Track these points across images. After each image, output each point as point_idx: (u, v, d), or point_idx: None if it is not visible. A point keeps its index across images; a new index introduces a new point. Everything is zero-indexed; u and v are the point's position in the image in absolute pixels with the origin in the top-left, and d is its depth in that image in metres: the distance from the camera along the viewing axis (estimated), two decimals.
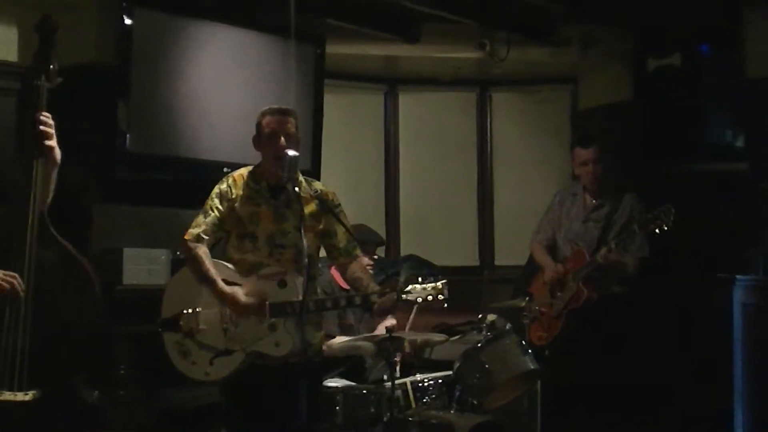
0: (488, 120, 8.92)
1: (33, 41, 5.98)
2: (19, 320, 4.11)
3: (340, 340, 5.66)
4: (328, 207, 4.84)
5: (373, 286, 4.80)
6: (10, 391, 4.07)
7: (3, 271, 4.13)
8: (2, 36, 6.14)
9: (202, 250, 4.81)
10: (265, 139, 4.81)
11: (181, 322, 4.79)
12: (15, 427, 4.05)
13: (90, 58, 5.89)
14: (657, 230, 5.87)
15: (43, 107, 4.34)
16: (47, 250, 4.29)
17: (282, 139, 4.72)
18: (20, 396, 4.07)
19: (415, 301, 4.55)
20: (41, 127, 4.29)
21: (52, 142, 4.31)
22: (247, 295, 4.68)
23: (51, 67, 4.44)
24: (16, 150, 5.57)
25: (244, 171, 4.95)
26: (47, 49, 4.48)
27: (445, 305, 4.57)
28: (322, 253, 5.06)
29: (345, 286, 5.66)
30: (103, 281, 4.50)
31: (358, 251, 5.00)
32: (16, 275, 4.13)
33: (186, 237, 4.85)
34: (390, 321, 5.70)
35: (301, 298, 4.58)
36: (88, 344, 4.38)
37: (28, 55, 5.97)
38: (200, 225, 4.85)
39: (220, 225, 4.86)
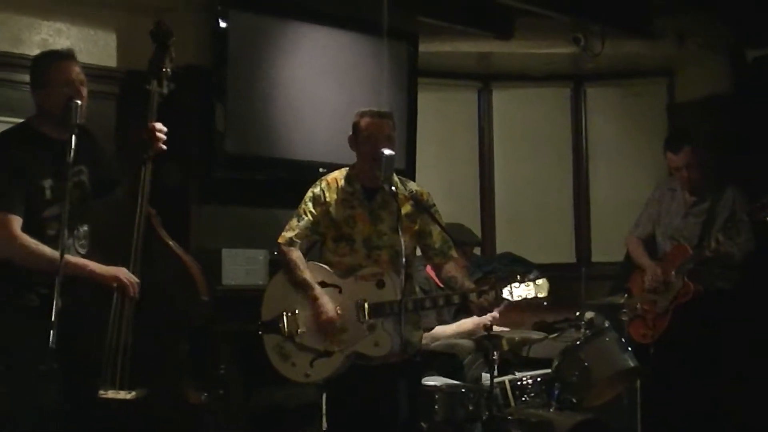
0: (583, 115, 8.81)
1: (131, 46, 6.14)
2: (123, 319, 4.18)
3: (438, 332, 5.66)
4: (423, 207, 4.84)
5: (469, 285, 4.79)
6: (113, 389, 4.13)
7: (126, 271, 4.20)
8: (101, 41, 6.24)
9: (296, 255, 4.85)
10: (362, 141, 4.82)
11: (280, 325, 4.83)
12: (117, 425, 4.12)
13: (187, 61, 5.95)
14: (767, 218, 5.76)
15: (154, 112, 4.41)
16: (154, 250, 4.36)
17: (379, 142, 4.73)
18: (122, 394, 4.13)
19: (516, 299, 4.54)
20: (157, 134, 4.38)
21: (163, 146, 4.39)
22: (339, 310, 4.70)
23: (164, 72, 4.51)
24: (117, 151, 5.67)
25: (338, 174, 4.97)
26: (161, 55, 4.55)
27: (545, 303, 4.55)
28: (417, 252, 5.06)
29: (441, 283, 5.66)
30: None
31: (453, 252, 4.99)
32: (137, 281, 4.21)
33: (279, 241, 4.90)
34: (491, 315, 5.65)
35: (399, 297, 4.59)
36: (195, 345, 4.44)
37: (127, 59, 6.15)
38: (293, 229, 4.88)
39: (313, 229, 4.89)
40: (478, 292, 4.65)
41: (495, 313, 5.65)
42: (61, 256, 3.79)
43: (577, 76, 8.76)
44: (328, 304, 4.72)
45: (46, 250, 4.12)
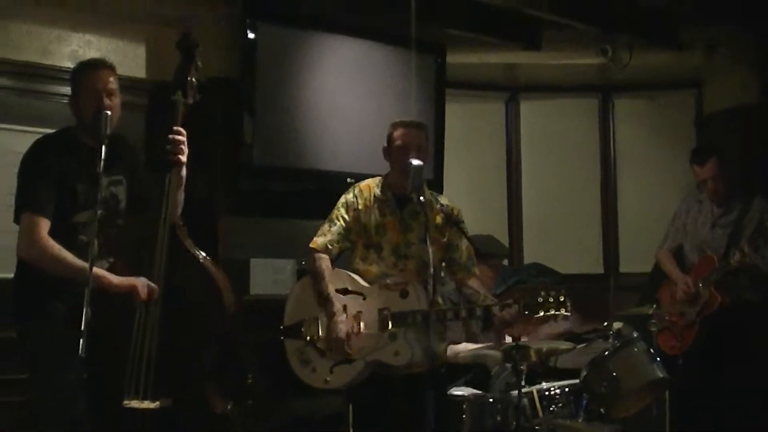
0: (611, 126, 8.79)
1: (161, 58, 6.17)
2: (147, 329, 4.20)
3: (464, 346, 5.65)
4: (454, 221, 4.85)
5: (491, 300, 4.80)
6: (137, 398, 4.15)
7: (146, 280, 4.23)
8: (131, 53, 6.29)
9: (325, 264, 4.87)
10: (395, 151, 4.84)
11: (302, 329, 4.85)
12: None
13: (214, 73, 5.99)
14: None
15: (179, 123, 4.43)
16: (179, 260, 4.37)
17: (411, 152, 4.74)
18: (146, 404, 4.14)
19: (538, 314, 4.55)
20: (176, 139, 4.39)
21: (184, 157, 4.40)
22: (351, 334, 4.71)
23: (189, 82, 4.53)
24: (146, 163, 5.69)
25: (371, 182, 5.00)
26: (187, 66, 4.56)
27: (566, 320, 4.55)
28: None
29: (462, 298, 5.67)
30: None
31: (476, 269, 5.02)
32: (157, 288, 4.22)
33: (312, 245, 4.92)
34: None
35: (422, 308, 4.60)
36: (220, 355, 4.45)
37: (156, 71, 6.19)
38: (326, 234, 4.91)
39: (345, 234, 4.90)
40: (500, 306, 4.66)
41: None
42: (91, 264, 3.81)
43: (605, 88, 8.74)
44: (342, 324, 4.73)
45: (69, 256, 4.14)
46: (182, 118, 4.44)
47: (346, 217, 4.90)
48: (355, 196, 4.94)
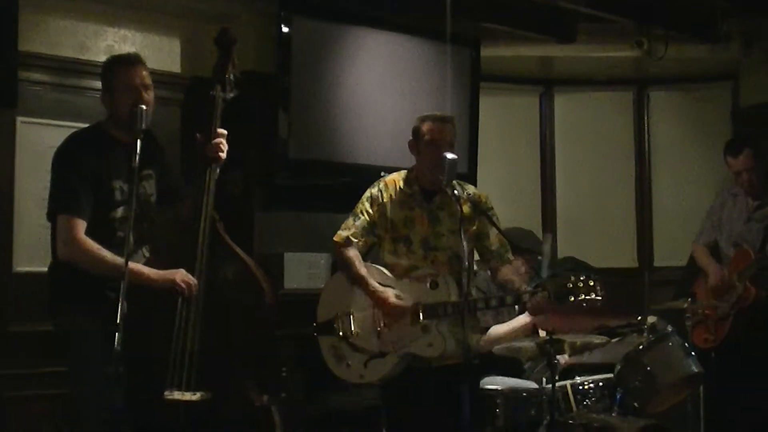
0: (646, 119, 8.76)
1: (195, 52, 6.21)
2: (189, 322, 4.23)
3: (495, 330, 5.64)
4: (481, 210, 4.85)
5: (525, 288, 4.79)
6: (179, 390, 4.18)
7: (184, 272, 4.26)
8: (166, 48, 6.33)
9: (353, 252, 4.89)
10: (424, 145, 4.84)
11: (335, 326, 4.86)
12: (183, 426, 4.16)
13: (250, 67, 6.01)
14: None
15: (218, 117, 4.46)
16: (219, 255, 4.40)
17: (442, 147, 4.74)
18: (188, 396, 4.17)
19: (568, 300, 4.52)
20: (218, 136, 4.43)
21: (224, 154, 4.44)
22: (398, 297, 4.72)
23: (227, 78, 4.56)
24: (181, 157, 5.73)
25: (396, 176, 5.00)
26: (225, 61, 4.60)
27: (599, 304, 4.52)
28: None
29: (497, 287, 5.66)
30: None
31: (510, 255, 4.99)
32: (195, 281, 4.25)
33: (335, 239, 4.95)
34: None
35: (453, 299, 4.60)
36: (258, 349, 4.48)
37: (191, 66, 6.22)
38: (349, 228, 4.92)
39: (370, 228, 4.91)
40: (530, 293, 4.64)
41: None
42: (126, 258, 3.84)
43: (640, 81, 8.71)
44: (387, 291, 4.74)
45: (107, 254, 4.17)
46: (221, 113, 4.48)
47: (370, 211, 4.91)
48: (380, 190, 4.95)
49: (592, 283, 4.50)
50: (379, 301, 4.76)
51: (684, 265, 7.40)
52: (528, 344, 5.21)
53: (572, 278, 4.53)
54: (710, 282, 6.17)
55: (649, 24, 7.73)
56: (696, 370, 5.56)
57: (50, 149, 4.43)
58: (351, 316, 4.85)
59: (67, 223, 4.20)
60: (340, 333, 4.86)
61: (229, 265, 4.44)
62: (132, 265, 4.09)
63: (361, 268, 4.85)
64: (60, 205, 4.25)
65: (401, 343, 4.74)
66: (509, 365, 5.78)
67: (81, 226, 4.20)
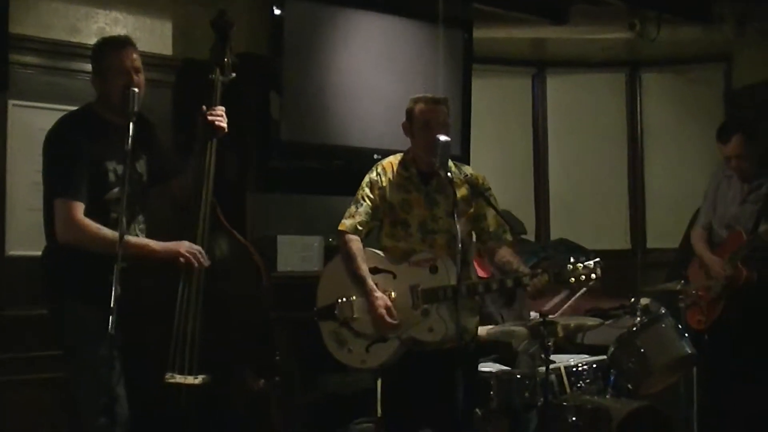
0: (638, 101, 8.76)
1: (187, 35, 6.18)
2: (190, 304, 4.23)
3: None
4: (478, 191, 4.84)
5: (524, 269, 4.78)
6: (181, 374, 4.19)
7: (189, 243, 4.25)
8: (157, 30, 6.29)
9: (356, 246, 4.86)
10: (417, 127, 4.82)
11: (336, 311, 4.86)
12: (184, 409, 4.17)
13: (242, 48, 5.99)
14: None
15: (218, 100, 4.47)
16: (217, 237, 4.41)
17: (435, 128, 4.73)
18: (190, 379, 4.19)
19: (569, 282, 4.54)
20: (217, 121, 4.44)
21: (224, 125, 4.51)
22: (391, 307, 4.73)
23: (226, 61, 4.56)
24: (173, 140, 5.71)
25: (393, 159, 4.99)
26: (223, 45, 4.61)
27: (599, 283, 4.53)
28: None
29: (483, 274, 5.66)
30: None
31: (509, 235, 4.97)
32: (201, 249, 4.26)
33: (341, 228, 4.91)
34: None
35: (452, 283, 4.60)
36: (257, 332, 4.48)
37: (182, 48, 6.20)
38: (354, 216, 4.90)
39: (373, 214, 4.90)
40: (530, 276, 4.64)
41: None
42: (120, 239, 3.84)
43: (633, 62, 8.71)
44: (382, 299, 4.74)
45: (108, 233, 4.16)
46: (220, 95, 4.49)
47: (371, 195, 4.90)
48: (378, 174, 4.93)
49: (592, 265, 4.51)
50: (371, 305, 4.76)
51: (677, 247, 7.41)
52: (521, 329, 5.22)
53: (572, 260, 4.54)
54: (711, 273, 6.13)
55: (641, 6, 7.71)
56: (689, 352, 5.58)
57: (42, 132, 4.41)
58: (351, 302, 4.84)
59: (65, 207, 4.19)
60: (342, 318, 4.85)
61: (227, 246, 4.45)
62: (135, 238, 4.11)
63: (363, 264, 4.82)
64: (56, 189, 4.24)
65: (402, 327, 4.74)
66: (503, 352, 5.80)
67: (80, 208, 4.19)
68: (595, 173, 8.66)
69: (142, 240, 4.29)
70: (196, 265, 4.28)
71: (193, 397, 4.18)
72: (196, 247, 4.29)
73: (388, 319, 4.70)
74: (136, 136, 4.03)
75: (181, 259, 4.27)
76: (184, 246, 4.27)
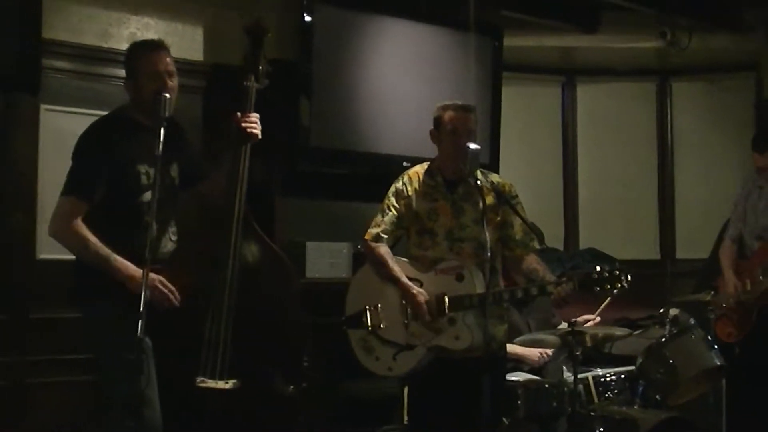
0: (668, 110, 8.74)
1: (218, 40, 6.21)
2: (222, 311, 4.23)
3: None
4: (505, 198, 4.82)
5: (550, 277, 4.76)
6: (212, 379, 4.19)
7: (160, 280, 4.21)
8: (188, 36, 6.32)
9: (384, 249, 4.87)
10: (446, 135, 4.82)
11: (363, 319, 4.86)
12: (214, 413, 4.18)
13: (272, 55, 5.99)
14: None
15: (252, 107, 4.48)
16: (249, 243, 4.41)
17: (465, 136, 4.73)
18: (221, 384, 4.19)
19: (594, 290, 4.52)
20: (250, 128, 4.45)
21: (258, 131, 4.48)
22: (429, 298, 4.72)
23: (260, 68, 4.56)
24: (203, 145, 5.73)
25: (419, 168, 4.99)
26: (257, 52, 4.60)
27: (625, 290, 4.50)
28: None
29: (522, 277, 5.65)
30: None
31: (536, 243, 4.95)
32: (172, 288, 4.24)
33: (366, 237, 4.93)
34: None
35: (478, 291, 4.60)
36: (287, 338, 4.48)
37: (213, 53, 6.23)
38: (379, 224, 4.91)
39: (398, 223, 4.90)
40: (555, 284, 4.63)
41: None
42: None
43: (663, 71, 8.69)
44: (420, 292, 4.73)
45: (92, 244, 4.14)
46: (254, 102, 4.50)
47: (396, 205, 4.90)
48: (404, 183, 4.93)
49: (617, 273, 4.49)
50: (410, 300, 4.76)
51: (706, 257, 7.37)
52: (550, 337, 5.20)
53: (598, 268, 4.52)
54: (726, 290, 6.09)
55: (672, 14, 7.69)
56: (718, 363, 5.54)
57: (73, 137, 4.41)
58: (379, 309, 4.85)
59: (69, 204, 4.20)
60: (369, 326, 4.85)
61: (258, 252, 4.44)
62: (120, 261, 4.11)
63: (395, 266, 4.83)
64: (68, 187, 4.25)
65: (429, 335, 4.73)
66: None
67: (80, 209, 4.18)
68: (625, 182, 8.64)
69: (123, 263, 4.24)
70: (166, 305, 4.24)
71: (223, 402, 4.18)
72: (169, 288, 4.24)
73: (428, 315, 4.70)
74: (167, 140, 4.03)
75: (156, 294, 4.20)
76: (155, 283, 4.17)
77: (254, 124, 4.48)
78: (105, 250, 4.14)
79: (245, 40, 4.62)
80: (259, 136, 4.49)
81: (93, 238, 4.17)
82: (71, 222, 4.18)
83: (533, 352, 5.65)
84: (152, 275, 4.10)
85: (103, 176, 4.22)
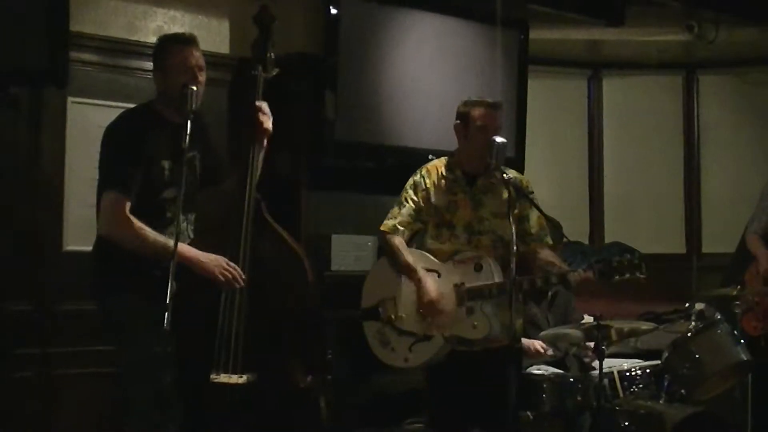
0: (695, 104, 8.70)
1: (244, 33, 6.20)
2: (235, 305, 4.23)
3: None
4: (523, 192, 4.83)
5: (566, 269, 4.77)
6: (225, 373, 4.19)
7: (226, 261, 4.26)
8: (214, 29, 6.33)
9: (398, 240, 4.90)
10: (474, 130, 4.82)
11: (380, 310, 4.87)
12: (229, 408, 4.18)
13: (298, 48, 6.01)
14: None
15: (260, 96, 4.46)
16: (262, 235, 4.40)
17: (492, 133, 4.73)
18: (235, 378, 4.18)
19: (614, 278, 4.52)
20: (260, 116, 4.42)
21: (268, 125, 4.44)
22: (442, 293, 4.72)
23: (268, 57, 4.55)
24: (228, 138, 5.73)
25: (438, 162, 5.02)
26: (265, 40, 4.59)
27: (643, 279, 4.50)
28: None
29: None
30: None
31: (549, 239, 4.98)
32: (237, 267, 4.25)
33: (382, 228, 4.97)
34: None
35: (496, 280, 4.61)
36: (302, 330, 4.48)
37: (239, 47, 6.23)
38: (395, 216, 4.94)
39: (416, 216, 4.92)
40: (575, 271, 4.64)
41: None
42: (176, 239, 3.86)
43: (690, 64, 8.65)
44: (432, 285, 4.75)
45: (151, 234, 4.17)
46: (262, 92, 4.48)
47: (415, 198, 4.92)
48: (422, 176, 4.96)
49: (636, 262, 4.49)
50: (420, 293, 4.77)
51: (733, 251, 7.34)
52: (574, 331, 5.19)
53: (616, 257, 4.53)
54: (761, 268, 6.09)
55: (699, 6, 7.65)
56: (745, 358, 5.52)
57: (100, 129, 4.43)
58: (396, 301, 4.86)
59: (113, 200, 4.19)
60: (385, 318, 4.86)
61: (271, 244, 4.43)
62: (180, 245, 4.10)
63: (408, 256, 4.85)
64: (107, 181, 4.26)
65: (446, 325, 4.74)
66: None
67: (127, 204, 4.18)
68: (651, 176, 8.61)
69: (186, 248, 4.25)
70: (233, 286, 4.27)
71: (239, 396, 4.18)
72: (233, 266, 4.27)
73: (439, 308, 4.71)
74: (192, 135, 4.04)
75: (220, 277, 4.25)
76: (222, 263, 4.27)
77: (264, 115, 4.45)
78: (163, 238, 4.16)
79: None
80: (270, 128, 4.46)
81: (149, 230, 4.19)
82: (121, 218, 4.18)
83: (533, 344, 5.61)
84: (217, 257, 4.19)
85: (138, 169, 4.23)
